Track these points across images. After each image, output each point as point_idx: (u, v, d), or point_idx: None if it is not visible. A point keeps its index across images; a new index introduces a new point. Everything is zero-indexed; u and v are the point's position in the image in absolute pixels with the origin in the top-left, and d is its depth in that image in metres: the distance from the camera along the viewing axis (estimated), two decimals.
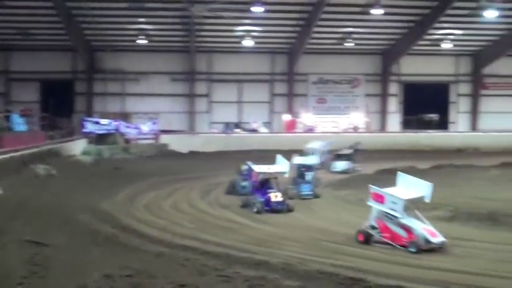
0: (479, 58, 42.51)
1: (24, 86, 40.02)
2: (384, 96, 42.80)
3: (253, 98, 42.04)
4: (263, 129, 41.03)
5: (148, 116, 39.66)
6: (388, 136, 39.80)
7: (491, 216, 13.66)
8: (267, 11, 33.56)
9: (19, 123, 25.47)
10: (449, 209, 14.11)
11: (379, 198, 11.42)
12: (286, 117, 41.48)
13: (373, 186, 11.70)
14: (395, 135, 40.42)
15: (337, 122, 42.04)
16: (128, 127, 36.11)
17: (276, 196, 15.20)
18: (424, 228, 10.98)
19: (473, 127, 43.03)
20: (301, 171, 18.03)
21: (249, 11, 33.30)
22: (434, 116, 44.82)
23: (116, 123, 35.08)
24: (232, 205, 16.09)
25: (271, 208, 14.99)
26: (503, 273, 9.43)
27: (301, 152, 21.80)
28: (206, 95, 41.97)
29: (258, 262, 9.74)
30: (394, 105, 43.33)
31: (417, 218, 11.38)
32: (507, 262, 10.15)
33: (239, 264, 9.56)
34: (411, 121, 43.70)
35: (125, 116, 39.51)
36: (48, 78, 40.18)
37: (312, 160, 19.09)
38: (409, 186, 11.67)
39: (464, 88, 43.69)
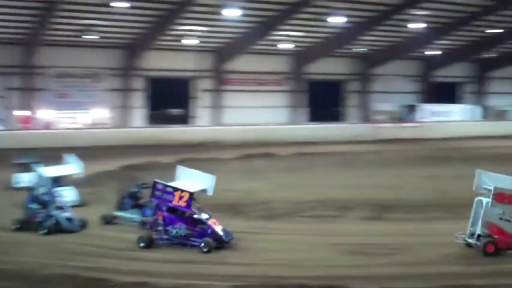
0: (221, 55, 44.12)
1: None
2: (127, 91, 41.91)
3: None
4: None
5: None
6: (131, 132, 39.06)
7: (233, 206, 13.95)
8: None
9: None
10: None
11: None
12: (21, 112, 38.11)
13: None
14: (139, 130, 39.95)
15: (76, 117, 40.07)
16: None
17: None
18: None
19: (217, 122, 44.66)
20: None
21: None
22: (178, 111, 45.48)
23: None
24: None
25: None
26: (286, 261, 9.94)
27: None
28: None
29: None
30: (139, 101, 42.79)
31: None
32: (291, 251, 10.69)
33: None
34: (156, 116, 43.66)
35: None
36: None
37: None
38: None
39: (207, 83, 44.99)
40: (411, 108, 49.85)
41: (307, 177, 21.71)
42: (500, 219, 10.26)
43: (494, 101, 54.93)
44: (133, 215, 12.84)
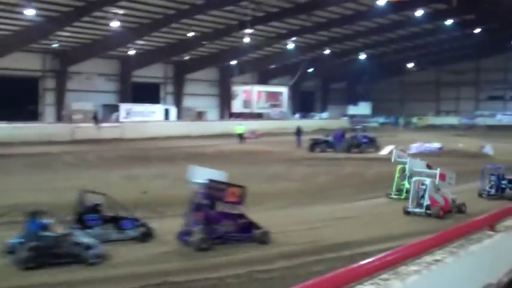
0: None
1: None
2: None
3: None
4: None
5: None
6: None
7: None
8: None
9: None
10: None
11: None
12: None
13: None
14: None
15: None
16: None
17: None
18: None
19: None
20: None
21: None
22: None
23: None
24: None
25: None
26: None
27: None
28: None
29: None
30: None
31: None
32: None
33: None
34: None
35: None
36: None
37: None
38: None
39: None
40: (111, 108, 49.37)
41: None
42: None
43: (191, 102, 57.84)
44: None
